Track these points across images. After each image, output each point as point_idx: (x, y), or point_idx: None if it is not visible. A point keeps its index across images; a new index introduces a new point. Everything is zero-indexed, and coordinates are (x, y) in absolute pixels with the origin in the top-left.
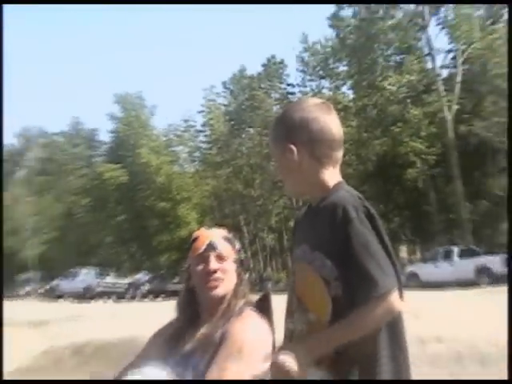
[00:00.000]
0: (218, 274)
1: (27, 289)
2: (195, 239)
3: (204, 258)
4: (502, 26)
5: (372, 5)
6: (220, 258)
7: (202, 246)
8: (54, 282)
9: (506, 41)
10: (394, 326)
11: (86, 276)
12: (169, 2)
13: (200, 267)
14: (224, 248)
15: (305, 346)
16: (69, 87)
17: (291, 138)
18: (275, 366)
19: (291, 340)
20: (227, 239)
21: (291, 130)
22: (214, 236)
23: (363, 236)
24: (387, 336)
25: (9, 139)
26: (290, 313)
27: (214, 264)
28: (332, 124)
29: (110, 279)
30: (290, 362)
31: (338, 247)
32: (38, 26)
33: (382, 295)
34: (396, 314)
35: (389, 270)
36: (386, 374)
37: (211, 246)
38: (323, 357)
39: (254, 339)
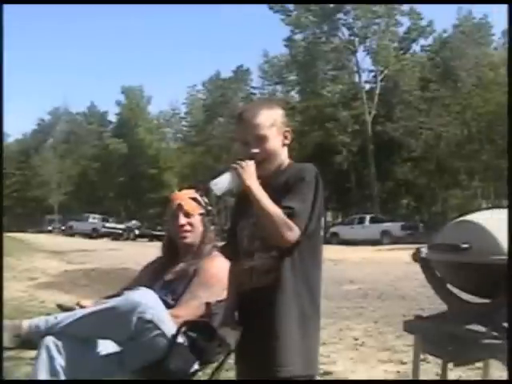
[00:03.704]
0: (185, 227)
1: (51, 227)
2: (169, 201)
3: (175, 216)
4: (409, 55)
5: (317, 31)
6: (187, 214)
7: (173, 206)
8: (70, 223)
9: (416, 66)
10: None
11: (93, 220)
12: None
13: (173, 222)
14: (189, 206)
15: (254, 179)
16: (88, 78)
17: (285, 125)
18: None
19: (252, 276)
20: (193, 198)
21: (284, 119)
22: (182, 198)
23: (308, 190)
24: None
25: (43, 115)
26: (249, 253)
27: (182, 220)
28: None
29: (111, 224)
30: (247, 164)
31: (291, 188)
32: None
33: (296, 228)
34: (290, 241)
35: (306, 214)
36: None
37: (179, 206)
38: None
39: (219, 274)
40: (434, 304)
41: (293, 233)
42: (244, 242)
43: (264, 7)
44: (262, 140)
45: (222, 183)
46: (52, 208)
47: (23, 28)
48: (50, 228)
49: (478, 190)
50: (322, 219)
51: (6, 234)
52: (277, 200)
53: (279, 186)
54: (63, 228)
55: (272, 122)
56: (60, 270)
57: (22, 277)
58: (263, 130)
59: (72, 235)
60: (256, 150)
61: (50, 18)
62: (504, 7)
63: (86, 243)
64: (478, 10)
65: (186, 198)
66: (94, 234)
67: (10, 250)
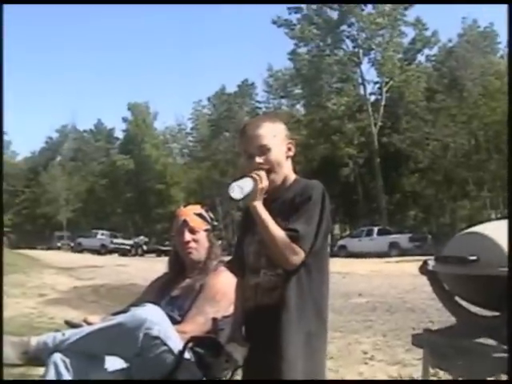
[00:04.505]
0: (190, 244)
1: (60, 243)
2: (175, 217)
3: (180, 232)
4: (414, 66)
5: (321, 44)
6: (192, 230)
7: (178, 222)
8: (79, 240)
9: (422, 76)
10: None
11: (101, 236)
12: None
13: (178, 238)
14: (195, 222)
15: (261, 200)
16: (94, 96)
17: (288, 137)
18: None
19: (257, 293)
20: (199, 214)
21: (286, 132)
22: (188, 214)
23: (314, 208)
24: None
25: (51, 133)
26: (254, 270)
27: (187, 236)
28: None
29: (119, 240)
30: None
31: (297, 207)
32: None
33: (301, 251)
34: (296, 264)
35: (311, 236)
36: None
37: (185, 223)
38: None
39: (225, 289)
40: (443, 317)
41: (298, 256)
42: (250, 258)
43: (268, 21)
44: (265, 150)
45: (244, 187)
46: (61, 225)
47: (25, 37)
48: (58, 244)
49: (486, 200)
50: (329, 235)
51: (16, 251)
52: (282, 217)
53: (285, 203)
54: (72, 244)
55: (274, 134)
56: (69, 287)
57: (31, 293)
58: (265, 141)
59: (81, 251)
60: (260, 160)
61: (60, 29)
62: (504, 7)
63: (94, 259)
64: (483, 18)
65: (191, 214)
66: (102, 250)
67: (20, 267)
